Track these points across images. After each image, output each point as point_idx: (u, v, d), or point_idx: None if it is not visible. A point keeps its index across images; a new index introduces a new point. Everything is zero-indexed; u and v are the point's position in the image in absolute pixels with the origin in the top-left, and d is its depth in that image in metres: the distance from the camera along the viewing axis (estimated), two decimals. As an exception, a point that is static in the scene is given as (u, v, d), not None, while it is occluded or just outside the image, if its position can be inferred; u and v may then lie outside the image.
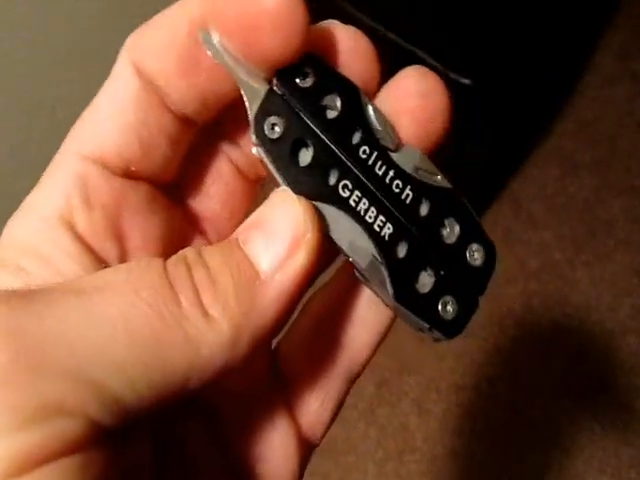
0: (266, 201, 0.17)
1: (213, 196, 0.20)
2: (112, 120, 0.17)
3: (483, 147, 0.92)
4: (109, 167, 0.18)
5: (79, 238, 0.17)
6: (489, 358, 0.94)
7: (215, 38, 0.17)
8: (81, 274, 0.17)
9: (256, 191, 0.21)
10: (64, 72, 0.79)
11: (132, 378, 0.14)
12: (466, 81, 0.74)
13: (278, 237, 0.16)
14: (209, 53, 0.17)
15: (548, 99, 1.12)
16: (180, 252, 0.16)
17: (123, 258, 0.18)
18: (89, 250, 0.17)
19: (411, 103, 0.18)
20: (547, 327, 0.97)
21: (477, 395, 0.92)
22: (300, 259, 0.16)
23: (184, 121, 0.18)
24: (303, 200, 0.17)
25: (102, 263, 0.17)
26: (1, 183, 0.72)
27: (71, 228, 0.17)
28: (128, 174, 0.18)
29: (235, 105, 0.18)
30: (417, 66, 0.19)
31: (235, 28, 0.16)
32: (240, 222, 0.17)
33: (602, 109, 1.12)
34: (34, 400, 0.13)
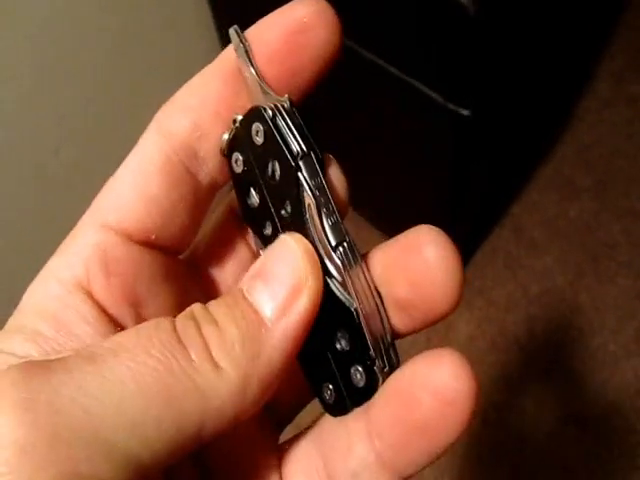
0: (267, 249, 0.18)
1: (227, 271, 0.21)
2: (135, 192, 0.18)
3: (483, 174, 0.93)
4: (130, 237, 0.18)
5: (96, 304, 0.18)
6: (494, 385, 0.94)
7: (245, 44, 0.18)
8: (96, 338, 0.17)
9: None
10: (68, 114, 0.80)
11: (146, 434, 0.14)
12: (465, 112, 0.75)
13: (280, 283, 0.17)
14: (235, 51, 0.18)
15: (547, 124, 1.13)
16: (187, 309, 0.17)
17: (139, 324, 0.18)
18: (106, 315, 0.18)
19: (429, 276, 0.17)
20: (551, 352, 0.97)
21: (483, 422, 0.92)
22: (303, 303, 0.16)
23: (211, 184, 0.19)
24: (303, 243, 0.17)
25: (118, 327, 0.18)
26: (2, 223, 0.72)
27: (89, 294, 0.18)
28: (147, 243, 0.19)
29: None
30: (435, 233, 0.17)
31: (280, 42, 0.17)
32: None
33: (600, 133, 1.13)
34: (49, 471, 0.13)
